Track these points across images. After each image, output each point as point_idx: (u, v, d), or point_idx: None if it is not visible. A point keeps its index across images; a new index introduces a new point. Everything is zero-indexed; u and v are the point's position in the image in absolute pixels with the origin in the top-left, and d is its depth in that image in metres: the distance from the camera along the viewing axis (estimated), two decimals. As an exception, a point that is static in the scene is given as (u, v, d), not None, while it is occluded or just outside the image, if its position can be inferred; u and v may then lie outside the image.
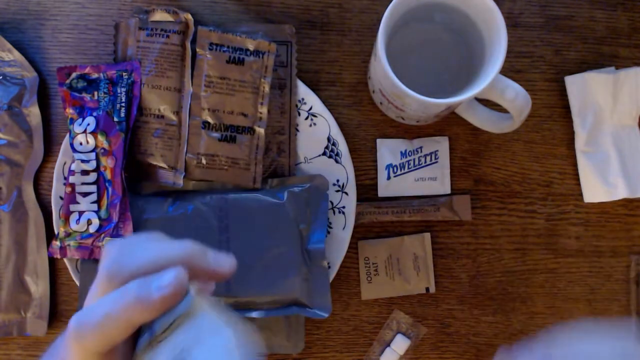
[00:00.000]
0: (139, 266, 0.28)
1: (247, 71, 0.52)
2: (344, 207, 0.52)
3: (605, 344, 0.32)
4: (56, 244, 0.50)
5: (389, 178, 0.54)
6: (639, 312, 0.54)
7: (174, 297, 0.27)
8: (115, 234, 0.49)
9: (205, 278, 0.30)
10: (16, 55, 0.52)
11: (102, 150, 0.49)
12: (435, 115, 0.50)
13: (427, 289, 0.54)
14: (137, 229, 0.49)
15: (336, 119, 0.53)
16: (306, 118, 0.53)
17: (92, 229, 0.49)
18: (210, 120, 0.51)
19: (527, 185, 0.55)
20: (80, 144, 0.50)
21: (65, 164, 0.51)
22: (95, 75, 0.51)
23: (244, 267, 0.49)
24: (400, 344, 0.53)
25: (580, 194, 0.55)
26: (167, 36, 0.51)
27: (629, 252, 0.55)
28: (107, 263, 0.29)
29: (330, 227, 0.52)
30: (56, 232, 0.51)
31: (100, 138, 0.49)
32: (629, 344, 0.31)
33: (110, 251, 0.30)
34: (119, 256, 0.29)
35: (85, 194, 0.49)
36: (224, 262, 0.31)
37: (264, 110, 0.52)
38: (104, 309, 0.27)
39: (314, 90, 0.53)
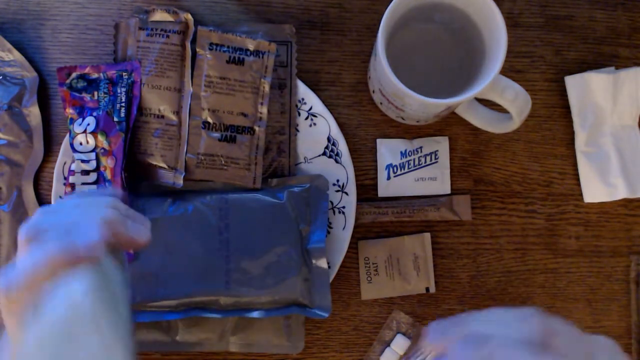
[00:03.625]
0: (61, 230, 0.32)
1: (247, 71, 0.52)
2: (344, 207, 0.52)
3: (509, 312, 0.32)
4: (56, 244, 0.50)
5: (389, 178, 0.54)
6: (639, 312, 0.54)
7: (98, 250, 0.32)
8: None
9: (123, 244, 0.34)
10: (16, 55, 0.52)
11: (102, 150, 0.49)
12: (435, 115, 0.50)
13: (427, 289, 0.54)
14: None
15: (336, 119, 0.53)
16: (306, 118, 0.53)
17: (92, 229, 0.49)
18: (210, 120, 0.51)
19: (527, 185, 0.55)
20: (80, 144, 0.50)
21: (65, 164, 0.51)
22: (95, 75, 0.51)
23: (244, 267, 0.49)
24: (400, 344, 0.53)
25: (580, 194, 0.55)
26: (167, 36, 0.51)
27: (629, 252, 0.55)
28: (27, 226, 0.32)
29: (330, 227, 0.52)
30: (56, 232, 0.51)
31: (100, 138, 0.49)
32: (529, 310, 0.32)
33: (33, 215, 0.33)
34: (39, 222, 0.32)
35: (85, 194, 0.49)
36: (140, 233, 0.34)
37: (264, 110, 0.52)
38: (29, 262, 0.31)
39: (314, 90, 0.53)
